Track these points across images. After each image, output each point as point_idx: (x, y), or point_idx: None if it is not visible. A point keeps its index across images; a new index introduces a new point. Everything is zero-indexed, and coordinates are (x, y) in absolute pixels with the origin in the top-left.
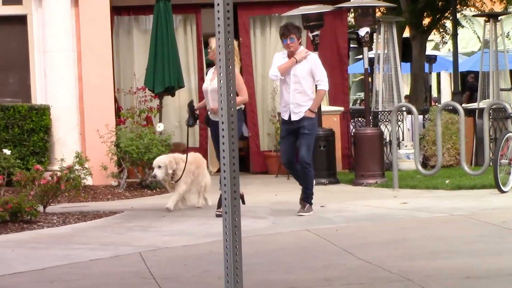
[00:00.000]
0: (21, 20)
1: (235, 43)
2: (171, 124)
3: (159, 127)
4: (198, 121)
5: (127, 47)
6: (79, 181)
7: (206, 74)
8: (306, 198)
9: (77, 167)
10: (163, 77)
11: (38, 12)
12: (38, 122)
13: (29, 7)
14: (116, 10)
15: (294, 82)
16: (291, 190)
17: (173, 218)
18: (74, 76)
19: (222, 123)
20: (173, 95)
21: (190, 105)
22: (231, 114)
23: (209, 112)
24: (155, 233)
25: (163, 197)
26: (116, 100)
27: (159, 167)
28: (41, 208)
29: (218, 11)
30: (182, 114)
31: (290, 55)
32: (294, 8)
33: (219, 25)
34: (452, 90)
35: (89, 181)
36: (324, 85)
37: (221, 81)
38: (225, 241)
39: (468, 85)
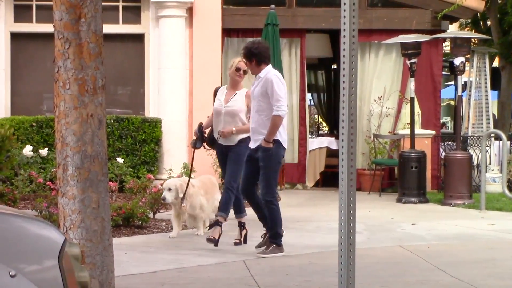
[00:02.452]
0: (139, 38)
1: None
2: None
3: None
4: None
5: None
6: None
7: (216, 94)
8: (270, 237)
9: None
10: None
11: (155, 31)
12: (150, 133)
13: (147, 26)
14: (227, 32)
15: (253, 106)
16: (383, 207)
17: None
18: (185, 92)
19: (343, 140)
20: None
21: (200, 128)
22: (351, 139)
23: (217, 135)
24: (256, 242)
25: None
26: None
27: (169, 189)
28: (151, 214)
29: (344, 36)
30: None
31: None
32: (393, 36)
33: (344, 49)
34: None
35: None
36: (277, 110)
37: (344, 107)
38: (340, 257)
39: None
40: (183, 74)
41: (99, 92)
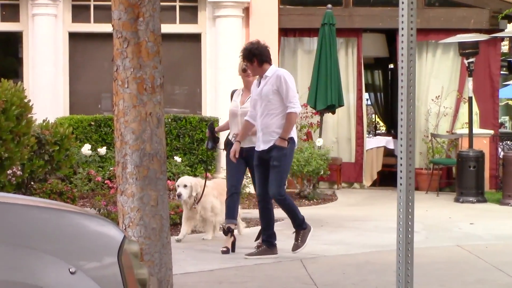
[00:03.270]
0: (196, 38)
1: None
2: (329, 140)
3: (319, 142)
4: (218, 145)
5: (291, 66)
6: (244, 190)
7: (232, 96)
8: (297, 226)
9: None
10: (325, 96)
11: (211, 31)
12: None
13: (204, 26)
14: (283, 32)
15: (261, 106)
16: (441, 206)
17: (330, 228)
18: None
19: (401, 139)
20: (333, 112)
21: (211, 127)
22: (410, 139)
23: (232, 137)
24: (314, 241)
25: (320, 208)
26: None
27: (185, 186)
28: None
29: (403, 35)
30: (340, 131)
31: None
32: (450, 36)
33: (402, 48)
34: None
35: (251, 189)
36: (293, 106)
37: (402, 106)
38: (398, 256)
39: None
40: None
41: (157, 90)
